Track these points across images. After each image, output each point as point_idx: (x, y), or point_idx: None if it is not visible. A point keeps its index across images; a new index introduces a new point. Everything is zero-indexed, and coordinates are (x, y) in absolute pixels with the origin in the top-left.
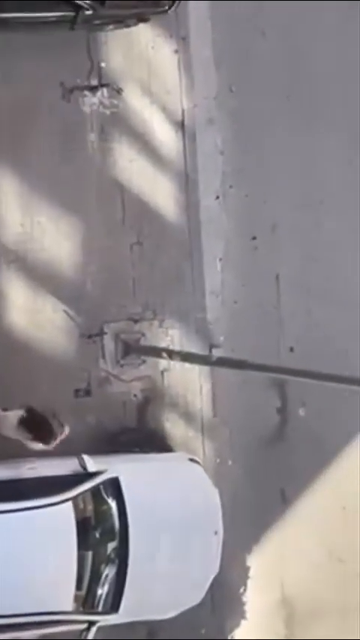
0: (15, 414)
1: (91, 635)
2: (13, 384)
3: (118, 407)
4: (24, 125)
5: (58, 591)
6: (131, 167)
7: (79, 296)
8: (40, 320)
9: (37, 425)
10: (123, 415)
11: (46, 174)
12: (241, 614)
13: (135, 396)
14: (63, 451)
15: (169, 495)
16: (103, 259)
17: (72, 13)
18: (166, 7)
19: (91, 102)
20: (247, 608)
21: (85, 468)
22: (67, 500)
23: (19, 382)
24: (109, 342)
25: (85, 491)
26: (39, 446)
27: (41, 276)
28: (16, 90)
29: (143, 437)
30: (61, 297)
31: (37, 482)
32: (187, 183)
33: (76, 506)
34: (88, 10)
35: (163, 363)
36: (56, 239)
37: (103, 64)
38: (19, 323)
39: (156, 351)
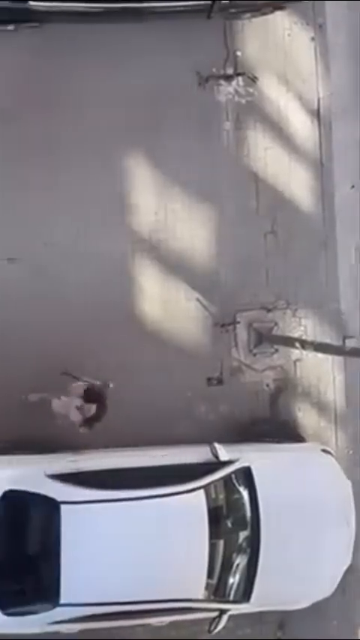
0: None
1: (222, 623)
2: (146, 373)
3: (251, 396)
4: (159, 114)
5: (190, 579)
6: (266, 155)
7: (212, 285)
8: (174, 309)
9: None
10: (255, 405)
11: (180, 162)
12: None
13: (267, 385)
14: (195, 439)
15: (301, 486)
16: (236, 248)
17: (209, 2)
18: None
19: (226, 91)
20: None
21: (217, 457)
22: (198, 488)
23: (152, 371)
24: (241, 331)
25: (217, 479)
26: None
27: (174, 265)
28: (152, 79)
29: (275, 427)
30: (194, 286)
31: (169, 470)
32: (322, 172)
33: (207, 495)
34: None
35: (296, 352)
36: (189, 227)
37: (238, 53)
38: (153, 312)
39: (289, 341)
